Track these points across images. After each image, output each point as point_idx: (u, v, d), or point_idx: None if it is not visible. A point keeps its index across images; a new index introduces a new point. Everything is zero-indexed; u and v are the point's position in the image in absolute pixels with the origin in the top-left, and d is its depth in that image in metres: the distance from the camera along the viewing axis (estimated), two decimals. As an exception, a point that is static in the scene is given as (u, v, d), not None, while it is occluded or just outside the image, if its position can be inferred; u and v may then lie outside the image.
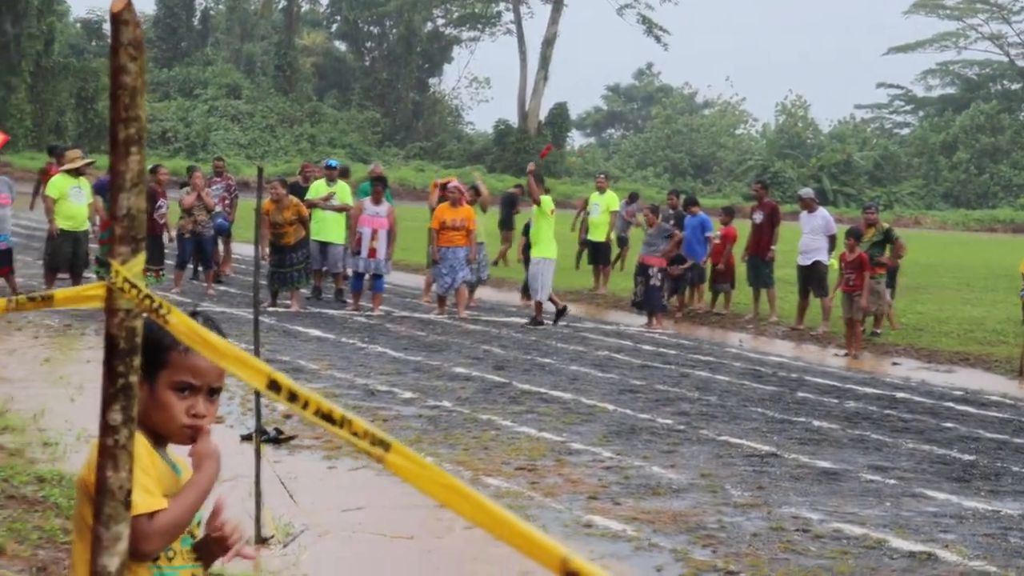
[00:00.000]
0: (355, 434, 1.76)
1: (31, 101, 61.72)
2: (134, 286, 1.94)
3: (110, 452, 1.97)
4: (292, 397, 1.83)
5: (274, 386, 1.84)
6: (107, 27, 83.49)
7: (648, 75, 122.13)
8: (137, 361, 2.00)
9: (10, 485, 8.00)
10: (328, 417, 1.79)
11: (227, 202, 23.02)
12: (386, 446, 1.74)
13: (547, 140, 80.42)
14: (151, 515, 2.68)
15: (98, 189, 18.96)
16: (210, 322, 2.72)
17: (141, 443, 2.67)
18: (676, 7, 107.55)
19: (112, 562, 1.96)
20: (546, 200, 19.51)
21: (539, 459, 9.89)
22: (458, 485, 1.72)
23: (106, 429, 1.98)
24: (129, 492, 1.98)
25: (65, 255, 18.02)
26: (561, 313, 19.66)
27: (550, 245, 19.42)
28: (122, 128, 1.98)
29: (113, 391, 2.00)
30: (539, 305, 19.58)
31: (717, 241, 22.24)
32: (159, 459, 2.83)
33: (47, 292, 2.24)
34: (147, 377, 2.70)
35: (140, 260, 1.98)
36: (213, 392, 2.88)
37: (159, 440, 2.86)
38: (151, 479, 2.72)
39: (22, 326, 15.76)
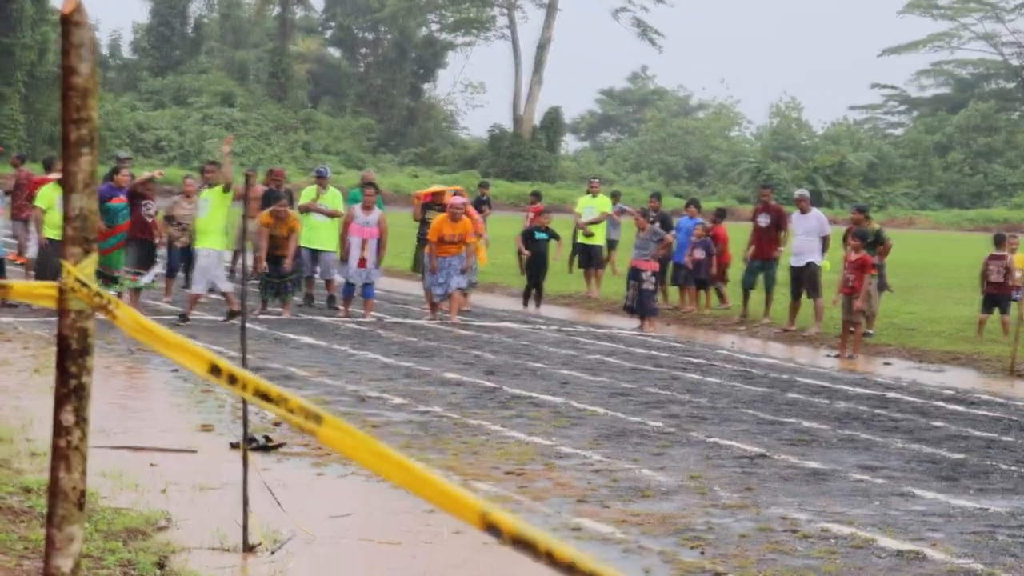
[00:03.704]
0: (290, 411, 1.80)
1: (24, 111, 61.68)
2: (85, 285, 1.95)
3: (62, 453, 1.97)
4: (232, 379, 1.87)
5: (215, 370, 1.88)
6: (100, 35, 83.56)
7: (642, 78, 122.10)
8: (90, 362, 2.01)
9: (-4, 495, 7.99)
10: (265, 396, 1.83)
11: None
12: (318, 419, 1.78)
13: (541, 144, 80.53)
14: None
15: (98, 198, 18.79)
16: None
17: None
18: (671, 9, 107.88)
19: (66, 563, 1.96)
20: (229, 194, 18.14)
21: (528, 463, 9.89)
22: (387, 451, 1.77)
23: (59, 430, 1.98)
24: (83, 493, 1.98)
25: (55, 265, 17.97)
26: (232, 315, 18.01)
27: (221, 237, 18.23)
28: (73, 129, 1.99)
29: (65, 391, 2.00)
30: (195, 298, 18.32)
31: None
32: None
33: (5, 282, 2.26)
34: None
35: (92, 260, 1.99)
36: None
37: None
38: None
39: (12, 337, 15.75)
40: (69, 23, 1.97)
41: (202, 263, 18.06)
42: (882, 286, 20.17)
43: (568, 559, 1.58)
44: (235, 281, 18.93)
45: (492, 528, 1.64)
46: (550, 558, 1.59)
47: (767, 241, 21.37)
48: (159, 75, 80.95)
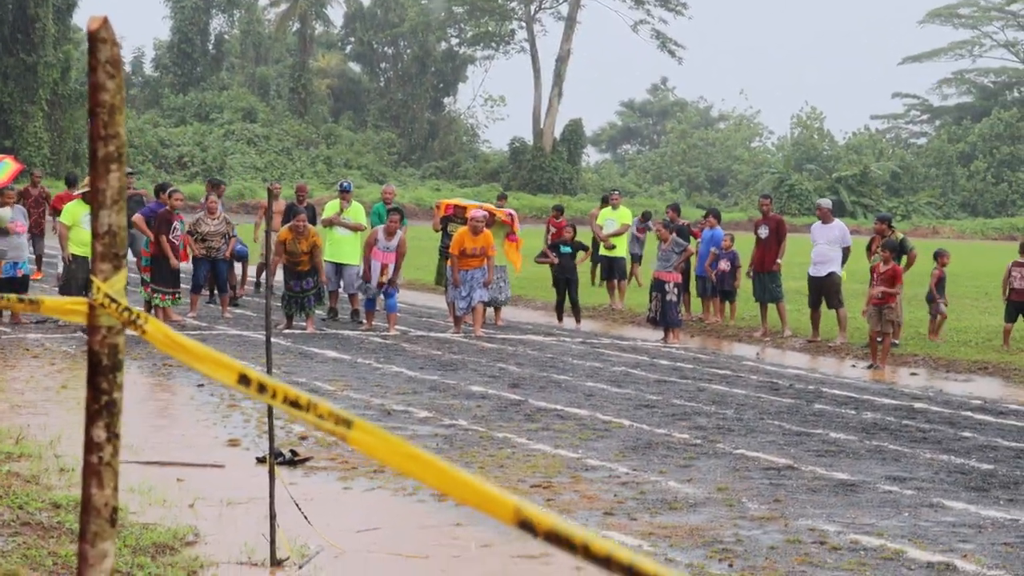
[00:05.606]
0: (320, 416, 1.79)
1: (48, 129, 62.00)
2: (114, 301, 1.94)
3: (94, 469, 1.96)
4: (261, 388, 1.87)
5: (244, 380, 1.87)
6: (123, 53, 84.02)
7: (663, 90, 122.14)
8: (121, 377, 2.00)
9: (25, 511, 8.01)
10: (295, 403, 1.83)
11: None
12: (348, 424, 1.78)
13: (562, 157, 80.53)
14: None
15: (146, 215, 19.26)
16: None
17: None
18: (690, 21, 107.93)
19: (98, 580, 1.95)
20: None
21: (555, 476, 9.87)
22: (418, 453, 1.76)
23: (90, 446, 1.97)
24: (115, 509, 1.97)
25: (79, 281, 18.09)
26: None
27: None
28: (101, 146, 1.98)
29: (97, 407, 2.00)
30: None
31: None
32: None
33: (36, 297, 2.26)
34: None
35: (122, 277, 1.98)
36: None
37: None
38: None
39: (38, 354, 15.81)
40: (96, 40, 1.97)
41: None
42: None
43: (605, 552, 1.56)
44: (260, 294, 18.94)
45: (526, 525, 1.64)
46: (586, 552, 1.57)
47: (767, 252, 21.19)
48: (181, 92, 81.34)
